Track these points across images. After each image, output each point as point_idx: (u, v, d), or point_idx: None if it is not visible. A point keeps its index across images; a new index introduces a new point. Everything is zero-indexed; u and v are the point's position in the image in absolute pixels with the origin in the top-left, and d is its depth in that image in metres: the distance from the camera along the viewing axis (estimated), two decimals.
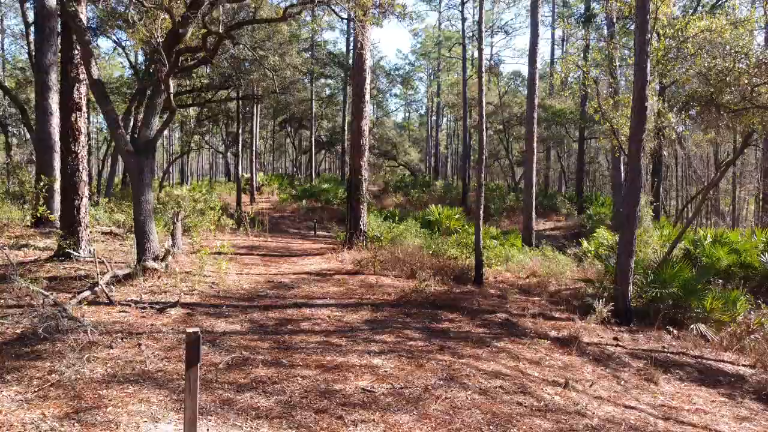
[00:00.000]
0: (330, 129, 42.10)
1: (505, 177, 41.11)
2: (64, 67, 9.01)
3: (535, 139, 16.94)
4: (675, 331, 9.26)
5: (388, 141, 44.51)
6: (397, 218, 17.49)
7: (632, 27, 12.35)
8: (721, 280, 13.55)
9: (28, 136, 24.13)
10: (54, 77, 13.20)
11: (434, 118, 52.79)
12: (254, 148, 33.16)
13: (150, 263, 8.28)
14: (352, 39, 29.06)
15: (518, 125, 30.82)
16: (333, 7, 8.06)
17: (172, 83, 7.77)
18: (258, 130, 35.05)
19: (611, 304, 9.37)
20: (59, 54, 12.63)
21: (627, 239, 9.41)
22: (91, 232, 10.94)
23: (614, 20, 16.96)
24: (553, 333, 8.05)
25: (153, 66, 16.36)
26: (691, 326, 9.26)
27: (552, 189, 42.54)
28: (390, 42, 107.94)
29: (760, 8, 17.18)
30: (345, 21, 27.19)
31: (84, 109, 9.10)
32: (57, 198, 12.87)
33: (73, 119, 8.97)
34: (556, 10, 38.03)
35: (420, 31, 50.02)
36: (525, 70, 49.61)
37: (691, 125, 11.94)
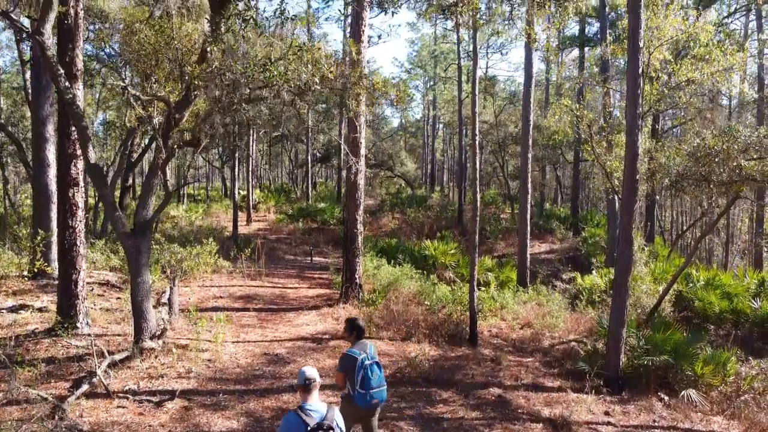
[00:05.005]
0: (326, 142, 42.10)
1: (501, 188, 41.32)
2: (61, 141, 9.07)
3: (530, 177, 17.11)
4: (666, 398, 9.40)
5: (384, 152, 44.59)
6: (392, 256, 17.58)
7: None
8: (712, 326, 13.74)
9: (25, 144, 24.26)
10: (51, 128, 13.27)
11: (430, 124, 52.87)
12: (250, 166, 33.18)
13: (147, 343, 8.38)
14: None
15: (514, 144, 30.92)
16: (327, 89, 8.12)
17: (168, 168, 7.85)
18: (254, 146, 35.08)
19: (603, 369, 9.53)
20: (56, 105, 12.75)
21: (619, 306, 9.53)
22: (87, 283, 11.02)
23: (609, 60, 17.08)
24: (546, 412, 8.17)
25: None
26: (682, 393, 9.38)
27: (548, 200, 42.71)
28: (387, 50, 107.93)
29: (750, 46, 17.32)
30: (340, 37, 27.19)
31: (81, 184, 9.18)
32: (54, 248, 12.96)
33: (70, 195, 9.04)
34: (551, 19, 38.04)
35: (416, 40, 50.12)
36: (520, 78, 49.65)
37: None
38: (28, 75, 17.50)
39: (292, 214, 30.18)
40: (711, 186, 8.96)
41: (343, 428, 4.16)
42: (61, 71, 7.75)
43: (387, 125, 56.40)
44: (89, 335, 9.17)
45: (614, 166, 14.37)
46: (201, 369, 8.38)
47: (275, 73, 5.69)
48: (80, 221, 9.19)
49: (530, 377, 9.49)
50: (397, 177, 47.14)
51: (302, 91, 6.31)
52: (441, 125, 57.44)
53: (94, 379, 7.36)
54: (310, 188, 34.40)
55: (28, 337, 9.14)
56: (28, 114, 21.41)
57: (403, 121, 59.32)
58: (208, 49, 6.33)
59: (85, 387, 7.21)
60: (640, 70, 9.24)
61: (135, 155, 22.58)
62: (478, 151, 11.74)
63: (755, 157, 8.40)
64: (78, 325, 9.25)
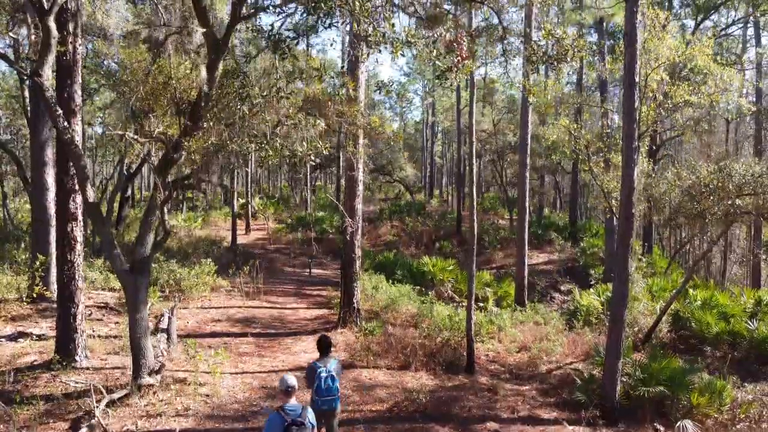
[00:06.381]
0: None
1: (498, 192, 41.48)
2: (59, 177, 9.12)
3: (527, 197, 17.18)
4: (662, 429, 9.45)
5: (383, 157, 44.59)
6: (390, 272, 17.67)
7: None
8: (709, 347, 13.73)
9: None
10: (50, 152, 13.33)
11: (429, 127, 52.84)
12: (249, 172, 33.20)
13: (146, 379, 8.42)
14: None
15: (512, 153, 30.99)
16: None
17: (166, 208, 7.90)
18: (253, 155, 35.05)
19: (599, 399, 9.58)
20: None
21: (615, 339, 9.56)
22: (86, 306, 11.02)
23: (606, 79, 17.12)
24: None
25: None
26: (678, 423, 9.42)
27: (547, 205, 42.75)
28: (385, 54, 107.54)
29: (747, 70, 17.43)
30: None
31: (80, 218, 9.21)
32: (53, 271, 13.00)
33: (68, 229, 9.08)
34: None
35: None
36: (519, 77, 49.46)
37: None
38: (26, 93, 17.53)
39: (291, 223, 30.22)
40: (706, 221, 9.01)
41: (315, 423, 5.28)
42: (60, 111, 7.77)
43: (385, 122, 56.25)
44: (88, 368, 9.24)
45: (612, 186, 14.40)
46: (199, 406, 8.42)
47: (270, 153, 5.75)
48: (79, 255, 9.22)
49: (527, 408, 9.53)
50: (396, 182, 47.21)
51: (298, 161, 6.39)
52: (440, 128, 57.52)
53: (93, 421, 7.39)
54: (309, 195, 34.44)
55: (27, 370, 9.17)
56: (24, 121, 21.48)
57: (403, 123, 59.46)
58: (204, 125, 6.40)
59: (83, 430, 7.25)
60: (637, 104, 9.28)
61: (134, 166, 22.67)
62: (475, 160, 11.80)
63: (750, 193, 8.44)
64: (76, 358, 9.29)
